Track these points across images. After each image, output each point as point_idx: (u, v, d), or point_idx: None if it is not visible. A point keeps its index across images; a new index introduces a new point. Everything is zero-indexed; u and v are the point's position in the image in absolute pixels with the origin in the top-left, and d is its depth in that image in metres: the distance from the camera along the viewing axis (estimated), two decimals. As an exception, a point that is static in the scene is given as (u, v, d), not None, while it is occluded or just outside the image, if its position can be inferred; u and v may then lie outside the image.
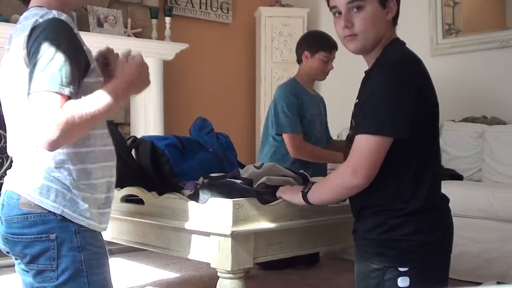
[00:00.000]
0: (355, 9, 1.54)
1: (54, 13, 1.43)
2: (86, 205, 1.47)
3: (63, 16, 1.43)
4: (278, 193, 1.76)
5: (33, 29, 1.40)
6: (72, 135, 1.36)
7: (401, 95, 1.47)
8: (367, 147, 1.47)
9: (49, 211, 1.43)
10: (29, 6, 1.56)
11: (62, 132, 1.32)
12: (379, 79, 1.50)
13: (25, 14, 1.52)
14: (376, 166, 1.48)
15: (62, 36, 1.40)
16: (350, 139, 1.61)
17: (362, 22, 1.54)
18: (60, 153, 1.45)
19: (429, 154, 1.57)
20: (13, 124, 1.52)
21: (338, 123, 4.58)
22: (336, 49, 3.21)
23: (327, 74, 3.32)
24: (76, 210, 1.46)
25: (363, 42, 1.56)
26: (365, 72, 1.65)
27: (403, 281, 1.49)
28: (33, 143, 1.45)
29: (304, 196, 1.65)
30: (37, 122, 1.34)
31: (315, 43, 3.23)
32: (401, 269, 1.50)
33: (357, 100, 1.61)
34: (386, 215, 1.53)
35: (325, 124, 3.46)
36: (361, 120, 1.51)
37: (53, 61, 1.35)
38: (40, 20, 1.41)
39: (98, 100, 1.39)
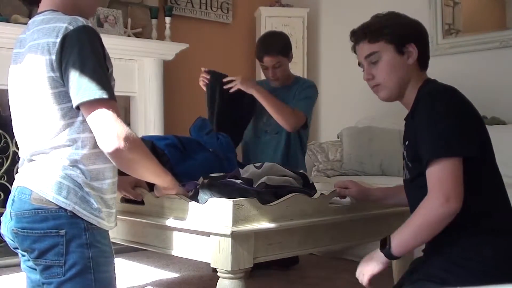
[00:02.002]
0: (372, 62, 1.65)
1: (82, 20, 1.47)
2: (97, 204, 1.50)
3: (90, 23, 1.48)
4: (362, 280, 1.60)
5: (65, 37, 1.43)
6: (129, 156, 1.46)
7: (459, 114, 1.50)
8: (446, 171, 1.45)
9: (60, 207, 1.46)
10: (41, 8, 1.58)
11: (127, 145, 1.43)
12: (431, 105, 1.52)
13: (40, 17, 1.54)
14: (461, 186, 1.46)
15: (97, 44, 1.46)
16: (408, 181, 1.64)
17: (380, 72, 1.64)
18: (74, 153, 1.48)
19: (495, 170, 1.60)
20: (28, 125, 1.54)
21: (338, 123, 4.59)
22: (271, 55, 2.97)
23: (276, 79, 3.05)
24: (87, 208, 1.49)
25: (388, 90, 1.65)
26: (406, 117, 1.69)
27: None
28: (49, 144, 1.49)
29: (387, 252, 1.52)
30: (106, 130, 1.42)
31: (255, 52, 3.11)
32: None
33: (407, 142, 1.62)
34: (463, 234, 1.49)
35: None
36: (427, 147, 1.49)
37: (96, 70, 1.42)
38: (71, 28, 1.44)
39: (157, 169, 1.60)
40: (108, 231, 1.58)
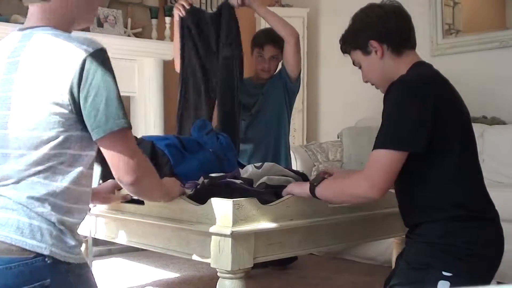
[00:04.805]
0: (359, 68, 1.81)
1: (97, 42, 1.35)
2: (73, 241, 1.35)
3: (104, 45, 1.37)
4: (287, 190, 1.76)
5: (84, 62, 1.30)
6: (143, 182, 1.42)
7: (410, 110, 1.56)
8: (383, 162, 1.55)
9: (36, 254, 1.26)
10: (34, 22, 1.41)
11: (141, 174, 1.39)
12: (388, 99, 1.63)
13: (37, 31, 1.37)
14: (392, 180, 1.57)
15: (111, 66, 1.36)
16: None
17: (366, 74, 1.79)
18: (48, 185, 1.31)
19: (474, 162, 1.67)
20: (5, 145, 1.34)
21: (338, 123, 4.59)
22: (273, 45, 3.01)
23: (268, 71, 3.06)
24: (64, 248, 1.32)
25: (380, 86, 1.77)
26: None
27: (443, 285, 1.52)
28: (23, 174, 1.31)
29: (313, 188, 1.69)
30: (127, 162, 1.36)
31: (251, 42, 3.15)
32: (444, 273, 1.53)
33: None
34: (442, 221, 1.59)
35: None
36: (377, 136, 1.60)
37: (119, 97, 1.35)
38: (90, 50, 1.31)
39: (164, 188, 1.59)
40: (86, 261, 1.42)
